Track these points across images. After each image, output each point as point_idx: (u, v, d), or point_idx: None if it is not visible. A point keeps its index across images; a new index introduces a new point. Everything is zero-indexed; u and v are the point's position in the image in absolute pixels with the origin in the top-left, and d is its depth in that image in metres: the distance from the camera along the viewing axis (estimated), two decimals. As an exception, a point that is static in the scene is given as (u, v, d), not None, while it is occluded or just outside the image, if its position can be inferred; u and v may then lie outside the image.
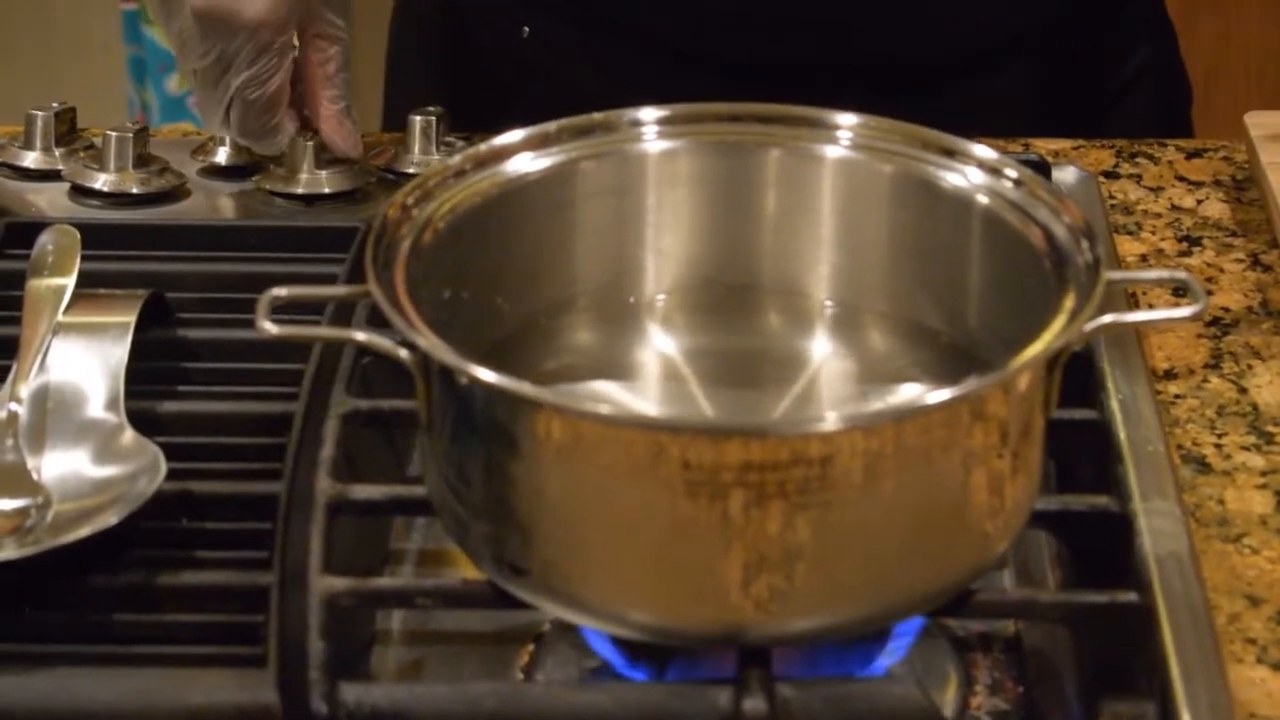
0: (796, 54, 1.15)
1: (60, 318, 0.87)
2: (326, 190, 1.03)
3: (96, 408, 0.83)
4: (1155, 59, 1.24)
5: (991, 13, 1.17)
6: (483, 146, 0.81)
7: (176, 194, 1.04)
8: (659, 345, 0.83)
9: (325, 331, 0.81)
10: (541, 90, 1.20)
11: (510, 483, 0.70)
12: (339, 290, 0.81)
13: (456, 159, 0.80)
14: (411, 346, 0.71)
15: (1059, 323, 0.72)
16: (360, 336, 0.74)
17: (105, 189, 1.03)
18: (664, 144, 0.82)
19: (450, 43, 1.26)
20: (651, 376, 0.83)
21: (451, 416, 0.72)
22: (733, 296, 0.84)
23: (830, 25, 1.15)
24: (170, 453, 0.80)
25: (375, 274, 0.73)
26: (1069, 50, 1.21)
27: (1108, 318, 0.73)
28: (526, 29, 1.18)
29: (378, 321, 0.74)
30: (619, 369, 0.82)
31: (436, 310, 0.75)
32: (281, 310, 0.73)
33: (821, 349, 0.83)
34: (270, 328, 0.72)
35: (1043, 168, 0.99)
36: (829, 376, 0.82)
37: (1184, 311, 0.74)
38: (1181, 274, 0.76)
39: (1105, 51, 1.22)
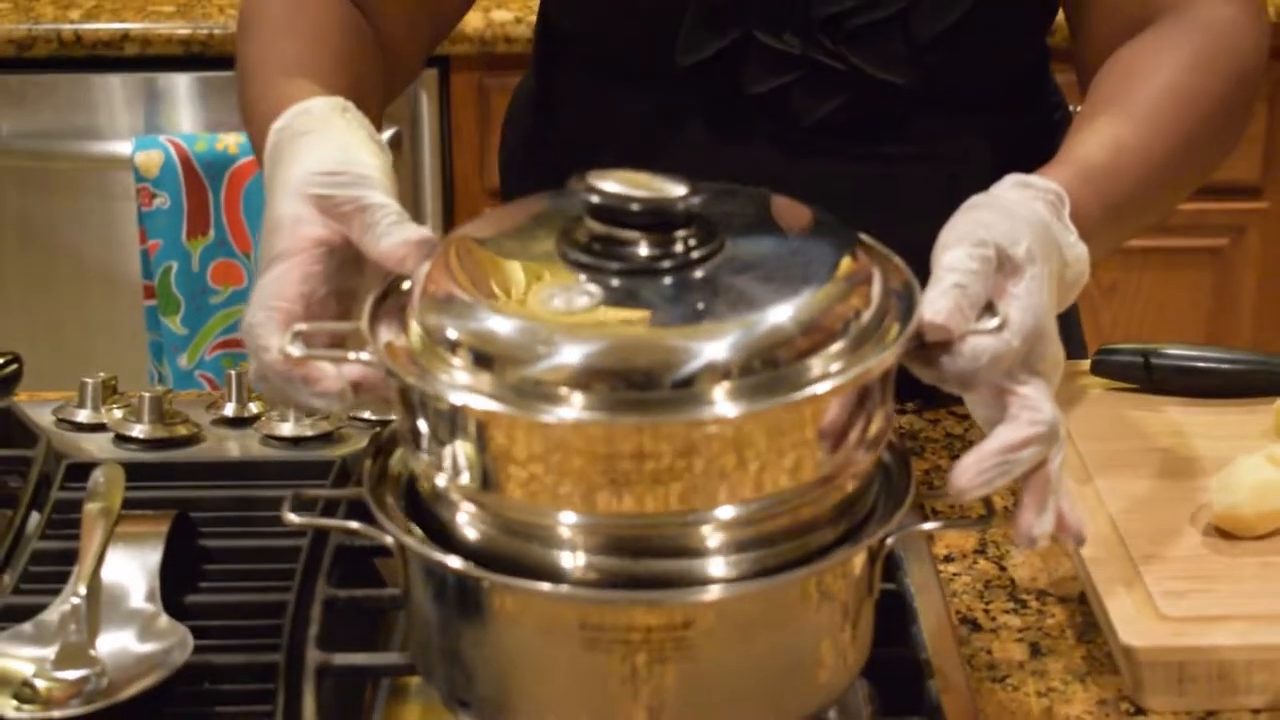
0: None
1: (110, 533, 0.90)
2: (309, 434, 1.06)
3: (138, 599, 0.87)
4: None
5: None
6: None
7: (195, 439, 1.06)
8: None
9: (331, 522, 0.83)
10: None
11: (457, 635, 0.74)
12: (351, 492, 0.84)
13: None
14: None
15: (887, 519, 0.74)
16: (355, 525, 0.78)
17: (141, 436, 1.05)
18: None
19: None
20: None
21: (418, 584, 0.76)
22: None
23: None
24: (195, 633, 0.84)
25: (370, 486, 0.77)
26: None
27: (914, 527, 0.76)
28: None
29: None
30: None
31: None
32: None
33: None
34: (294, 519, 0.77)
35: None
36: None
37: (978, 524, 0.77)
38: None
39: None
